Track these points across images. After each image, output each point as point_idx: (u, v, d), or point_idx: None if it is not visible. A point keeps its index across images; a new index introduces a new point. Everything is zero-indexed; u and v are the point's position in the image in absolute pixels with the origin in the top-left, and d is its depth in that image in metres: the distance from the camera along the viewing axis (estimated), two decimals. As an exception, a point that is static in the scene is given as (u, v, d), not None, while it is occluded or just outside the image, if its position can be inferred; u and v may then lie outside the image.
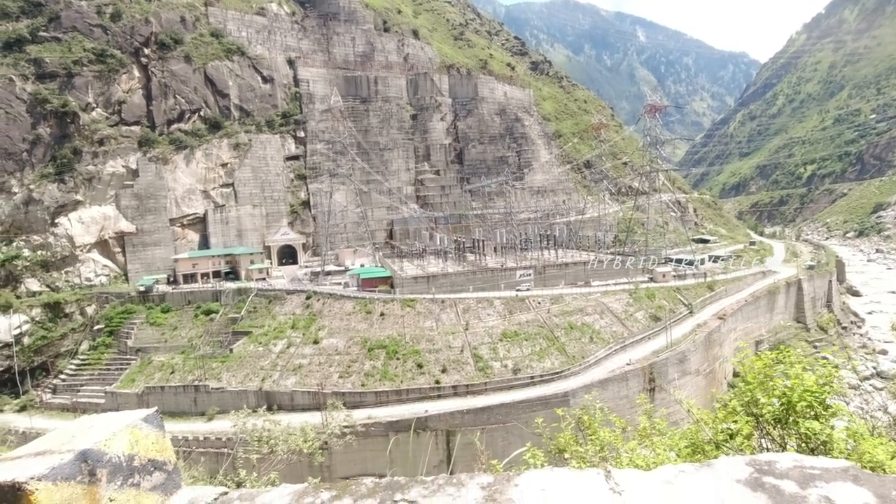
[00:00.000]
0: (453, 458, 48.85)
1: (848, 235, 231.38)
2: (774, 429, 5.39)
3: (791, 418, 5.22)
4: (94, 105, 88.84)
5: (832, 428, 5.16)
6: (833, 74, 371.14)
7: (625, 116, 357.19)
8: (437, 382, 58.26)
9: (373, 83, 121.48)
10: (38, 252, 78.55)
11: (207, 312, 74.52)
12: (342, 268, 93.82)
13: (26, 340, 70.46)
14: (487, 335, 65.66)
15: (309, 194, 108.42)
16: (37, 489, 2.75)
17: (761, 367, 5.76)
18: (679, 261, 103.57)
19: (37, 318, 72.69)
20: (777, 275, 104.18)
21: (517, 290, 77.89)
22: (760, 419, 5.47)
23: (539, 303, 73.30)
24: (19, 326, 70.25)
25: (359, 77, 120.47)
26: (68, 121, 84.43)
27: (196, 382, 60.61)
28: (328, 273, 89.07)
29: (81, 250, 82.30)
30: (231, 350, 66.22)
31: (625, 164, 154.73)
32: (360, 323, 67.72)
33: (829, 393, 5.27)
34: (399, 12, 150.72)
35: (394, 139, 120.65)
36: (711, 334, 73.04)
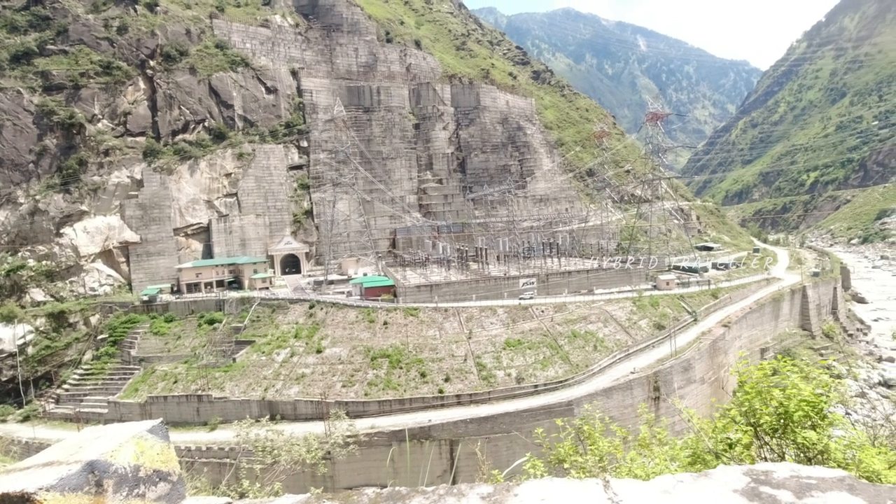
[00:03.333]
0: (455, 467, 48.53)
1: (852, 242, 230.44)
2: (772, 438, 5.39)
3: (788, 427, 5.23)
4: (100, 116, 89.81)
5: (829, 437, 5.16)
6: (834, 82, 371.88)
7: (627, 125, 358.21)
8: (441, 391, 58.03)
9: (375, 93, 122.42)
10: (43, 262, 79.02)
11: (211, 322, 74.67)
12: (345, 277, 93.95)
13: (30, 350, 70.68)
14: (491, 344, 65.47)
15: (312, 203, 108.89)
16: (45, 500, 2.80)
17: (760, 377, 5.78)
18: (683, 268, 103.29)
19: (41, 328, 72.96)
20: (781, 282, 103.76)
21: (520, 299, 77.76)
22: (759, 429, 5.48)
23: (542, 311, 73.13)
24: (23, 336, 70.50)
25: (362, 87, 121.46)
26: (74, 132, 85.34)
27: (199, 392, 60.55)
28: (331, 282, 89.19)
29: (86, 260, 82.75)
30: (234, 359, 66.22)
31: (627, 172, 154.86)
32: (363, 332, 67.67)
33: (826, 402, 5.28)
34: (402, 23, 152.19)
35: (396, 148, 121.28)
36: (716, 342, 72.62)
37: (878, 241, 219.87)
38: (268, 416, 42.04)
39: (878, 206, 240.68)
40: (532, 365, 62.45)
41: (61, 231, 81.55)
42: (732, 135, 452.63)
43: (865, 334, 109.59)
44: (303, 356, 64.16)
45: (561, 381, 60.46)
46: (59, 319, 74.87)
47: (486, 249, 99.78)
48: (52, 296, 78.07)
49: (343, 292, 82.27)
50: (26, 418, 65.07)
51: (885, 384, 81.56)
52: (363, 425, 50.83)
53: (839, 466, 4.89)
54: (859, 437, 5.23)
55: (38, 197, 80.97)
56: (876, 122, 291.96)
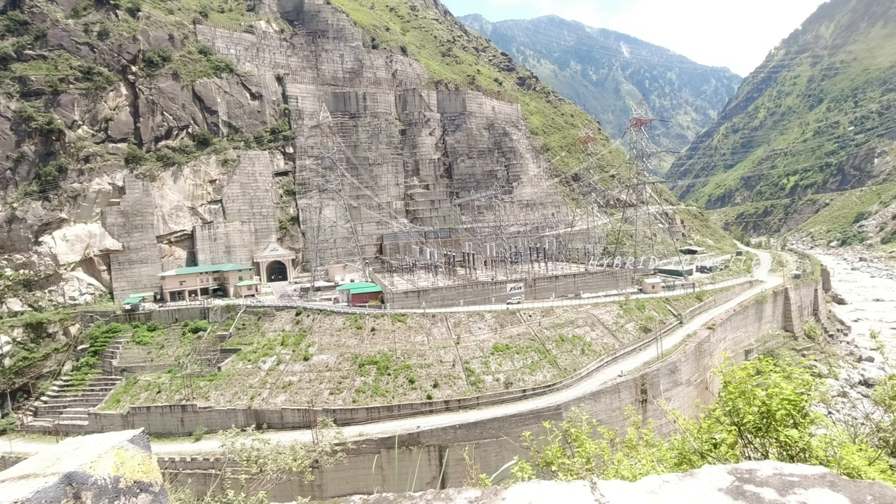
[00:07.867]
0: (443, 472, 48.32)
1: (832, 245, 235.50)
2: (756, 437, 5.47)
3: (771, 426, 5.31)
4: (81, 122, 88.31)
5: (811, 435, 5.25)
6: (812, 88, 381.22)
7: (611, 130, 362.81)
8: (429, 397, 57.79)
9: (361, 99, 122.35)
10: (21, 271, 77.16)
11: (195, 330, 73.51)
12: (332, 283, 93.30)
13: (7, 362, 68.79)
14: (479, 349, 65.44)
15: (298, 210, 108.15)
16: (20, 514, 2.72)
17: (743, 377, 5.87)
18: (668, 271, 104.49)
19: (18, 339, 71.09)
20: (764, 284, 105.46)
21: (508, 304, 77.96)
22: (742, 428, 5.56)
23: (530, 316, 73.36)
24: (0, 347, 68.66)
25: (347, 93, 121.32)
26: (54, 138, 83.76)
27: (183, 402, 59.47)
28: (318, 289, 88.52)
29: (65, 269, 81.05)
30: (219, 368, 65.21)
31: (612, 176, 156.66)
32: (350, 339, 67.19)
33: (807, 401, 5.37)
34: (387, 30, 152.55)
35: (383, 154, 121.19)
36: (701, 344, 73.47)
37: (857, 244, 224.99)
38: (254, 426, 41.32)
39: (856, 210, 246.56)
40: (520, 370, 62.53)
41: (40, 239, 79.81)
42: (714, 140, 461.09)
43: (846, 335, 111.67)
44: (289, 364, 63.46)
45: (549, 386, 60.62)
46: (37, 330, 73.05)
47: (473, 254, 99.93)
48: (29, 305, 76.24)
49: (330, 299, 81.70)
50: (3, 432, 63.19)
51: (866, 383, 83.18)
52: (351, 433, 50.42)
53: (821, 464, 4.97)
54: (840, 434, 5.33)
55: (15, 204, 79.20)
56: (852, 128, 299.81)
